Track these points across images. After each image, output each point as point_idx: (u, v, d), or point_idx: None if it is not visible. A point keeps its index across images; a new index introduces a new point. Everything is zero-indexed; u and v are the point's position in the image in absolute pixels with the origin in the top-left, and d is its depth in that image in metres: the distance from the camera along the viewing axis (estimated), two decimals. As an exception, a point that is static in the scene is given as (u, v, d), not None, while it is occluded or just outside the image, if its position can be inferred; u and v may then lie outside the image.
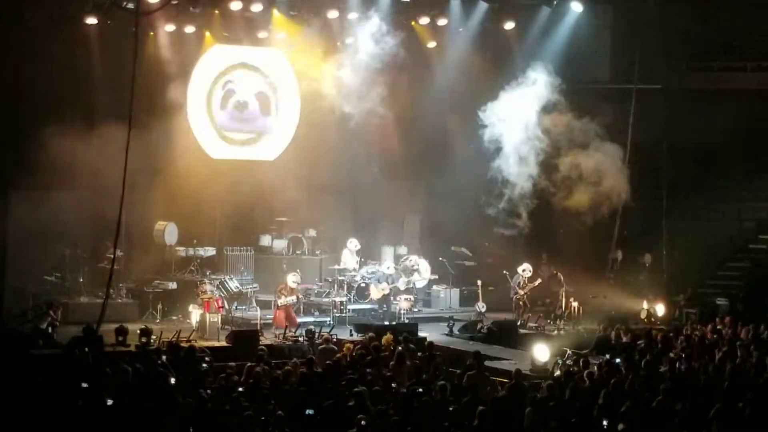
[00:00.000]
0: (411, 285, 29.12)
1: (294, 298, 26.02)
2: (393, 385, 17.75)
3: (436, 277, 30.06)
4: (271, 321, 25.79)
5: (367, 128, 30.46)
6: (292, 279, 26.21)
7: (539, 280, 28.09)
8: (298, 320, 25.81)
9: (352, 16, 29.64)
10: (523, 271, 27.93)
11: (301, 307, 27.68)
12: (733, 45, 32.60)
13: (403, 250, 30.86)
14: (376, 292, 28.05)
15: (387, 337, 21.84)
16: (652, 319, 27.30)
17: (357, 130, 30.18)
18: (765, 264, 30.33)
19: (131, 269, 28.11)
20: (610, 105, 31.54)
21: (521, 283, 27.98)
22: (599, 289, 28.28)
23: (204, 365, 19.34)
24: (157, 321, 26.25)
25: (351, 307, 27.50)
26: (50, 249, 26.87)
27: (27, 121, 26.10)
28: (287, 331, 24.47)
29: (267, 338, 24.20)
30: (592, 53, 31.84)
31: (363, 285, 28.00)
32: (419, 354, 20.81)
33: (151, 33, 28.38)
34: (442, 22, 30.45)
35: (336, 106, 30.76)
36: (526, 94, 28.21)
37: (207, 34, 29.50)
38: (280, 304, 25.73)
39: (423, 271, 29.53)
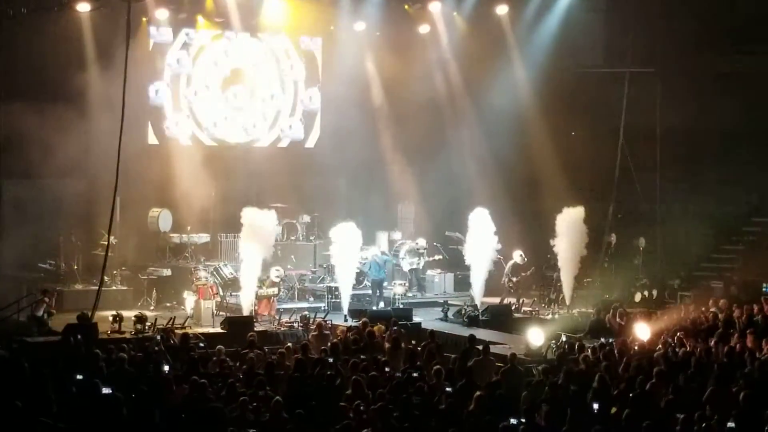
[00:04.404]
0: (415, 266, 29.37)
1: (275, 290, 25.94)
2: (387, 369, 17.77)
3: (440, 257, 30.16)
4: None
5: (361, 114, 30.56)
6: (275, 273, 26.12)
7: (533, 268, 28.08)
8: (293, 306, 25.91)
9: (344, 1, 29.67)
10: (521, 257, 27.92)
11: (296, 293, 27.74)
12: (727, 29, 32.56)
13: (397, 235, 30.93)
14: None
15: (378, 327, 21.83)
16: (647, 303, 27.35)
17: (350, 117, 30.24)
18: (759, 247, 30.35)
19: (126, 256, 28.07)
20: (603, 89, 31.61)
21: (512, 269, 27.98)
22: (594, 273, 28.27)
23: (198, 350, 19.29)
24: (152, 308, 26.24)
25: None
26: (45, 236, 26.84)
27: (18, 108, 25.99)
28: (281, 317, 24.49)
29: (262, 324, 24.21)
30: (585, 37, 31.81)
31: (357, 270, 27.99)
32: (422, 343, 20.75)
33: (144, 18, 28.33)
34: (434, 6, 30.42)
35: (330, 92, 30.88)
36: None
37: (200, 19, 29.46)
38: (260, 294, 25.60)
39: (425, 255, 29.79)
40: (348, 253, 25.64)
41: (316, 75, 31.43)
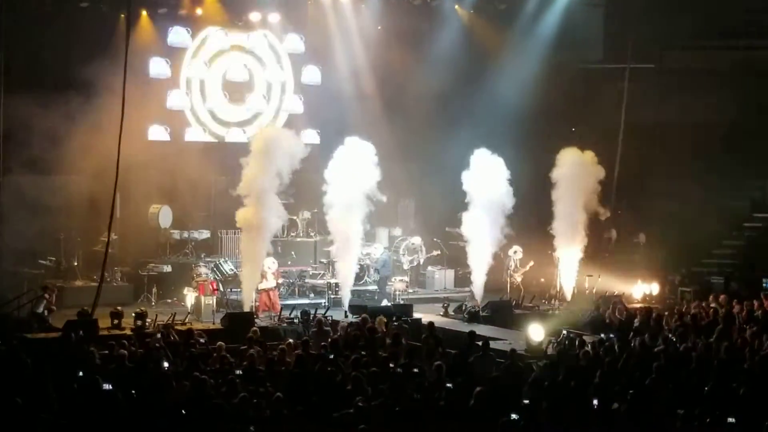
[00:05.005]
0: (415, 264, 29.33)
1: (273, 282, 25.87)
2: (391, 365, 17.76)
3: (438, 253, 30.22)
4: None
5: (361, 109, 30.54)
6: (266, 264, 25.96)
7: (531, 263, 28.07)
8: (294, 302, 25.88)
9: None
10: (515, 253, 27.92)
11: (296, 289, 27.72)
12: (726, 24, 32.58)
13: (397, 231, 30.93)
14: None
15: (380, 319, 21.86)
16: (647, 298, 27.33)
17: (351, 112, 30.23)
18: (759, 242, 30.38)
19: (126, 253, 28.07)
20: (603, 84, 31.61)
21: (514, 266, 27.97)
22: (594, 268, 28.25)
23: (199, 347, 19.28)
24: (152, 304, 26.25)
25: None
26: (45, 233, 26.83)
27: (19, 104, 25.99)
28: (281, 312, 24.47)
29: (262, 320, 24.20)
30: (585, 33, 31.82)
31: (358, 267, 27.93)
32: (422, 336, 20.76)
33: (144, 12, 28.33)
34: (435, 2, 30.43)
35: (331, 87, 30.84)
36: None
37: (199, 15, 29.44)
38: (259, 288, 25.54)
39: (423, 252, 29.78)
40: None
41: (314, 55, 31.30)
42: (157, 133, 29.19)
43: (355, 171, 25.38)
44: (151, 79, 28.89)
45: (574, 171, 26.77)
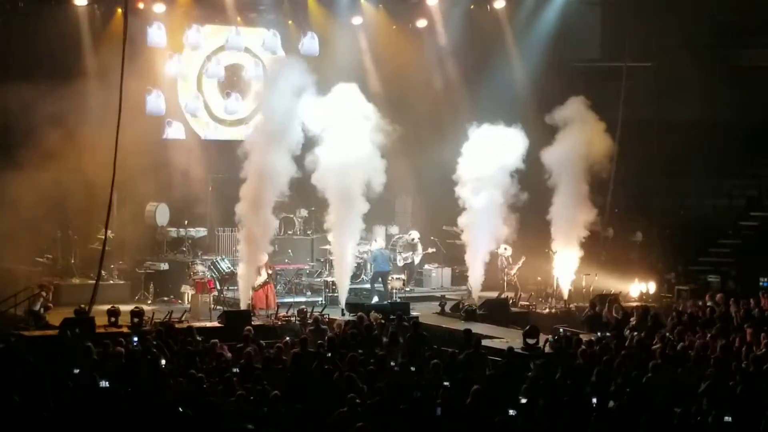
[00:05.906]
0: (410, 261, 29.31)
1: (265, 275, 25.72)
2: (392, 363, 17.77)
3: (434, 250, 30.20)
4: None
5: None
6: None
7: (524, 258, 28.04)
8: (291, 300, 25.84)
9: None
10: (504, 250, 27.92)
11: (293, 287, 27.71)
12: (723, 22, 32.61)
13: (394, 229, 30.91)
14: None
15: (375, 315, 21.89)
16: (643, 297, 27.35)
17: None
18: (755, 241, 30.39)
19: (123, 250, 28.05)
20: (600, 83, 31.60)
21: (507, 263, 27.95)
22: (591, 267, 28.25)
23: (195, 344, 19.27)
24: (149, 302, 26.25)
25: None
26: (42, 230, 26.81)
27: (16, 103, 25.97)
28: (278, 310, 24.45)
29: (259, 318, 24.19)
30: (582, 31, 31.82)
31: (354, 265, 27.90)
32: (408, 335, 20.77)
33: (141, 4, 28.28)
34: (432, 1, 30.41)
35: (328, 83, 30.80)
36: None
37: (197, 13, 29.45)
38: (255, 286, 25.38)
39: (419, 247, 29.75)
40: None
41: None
42: (154, 102, 28.98)
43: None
44: (148, 48, 28.79)
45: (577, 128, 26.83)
